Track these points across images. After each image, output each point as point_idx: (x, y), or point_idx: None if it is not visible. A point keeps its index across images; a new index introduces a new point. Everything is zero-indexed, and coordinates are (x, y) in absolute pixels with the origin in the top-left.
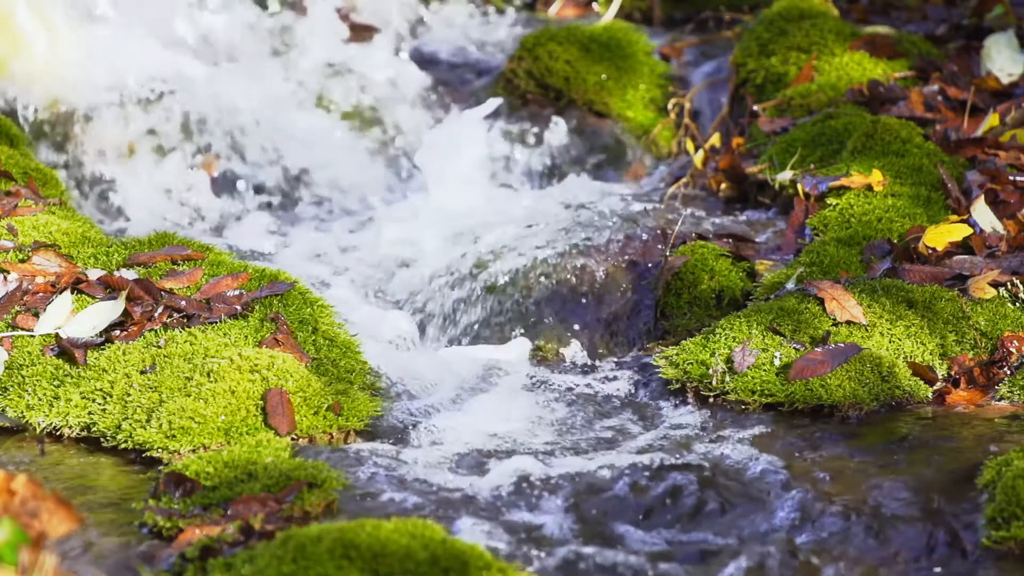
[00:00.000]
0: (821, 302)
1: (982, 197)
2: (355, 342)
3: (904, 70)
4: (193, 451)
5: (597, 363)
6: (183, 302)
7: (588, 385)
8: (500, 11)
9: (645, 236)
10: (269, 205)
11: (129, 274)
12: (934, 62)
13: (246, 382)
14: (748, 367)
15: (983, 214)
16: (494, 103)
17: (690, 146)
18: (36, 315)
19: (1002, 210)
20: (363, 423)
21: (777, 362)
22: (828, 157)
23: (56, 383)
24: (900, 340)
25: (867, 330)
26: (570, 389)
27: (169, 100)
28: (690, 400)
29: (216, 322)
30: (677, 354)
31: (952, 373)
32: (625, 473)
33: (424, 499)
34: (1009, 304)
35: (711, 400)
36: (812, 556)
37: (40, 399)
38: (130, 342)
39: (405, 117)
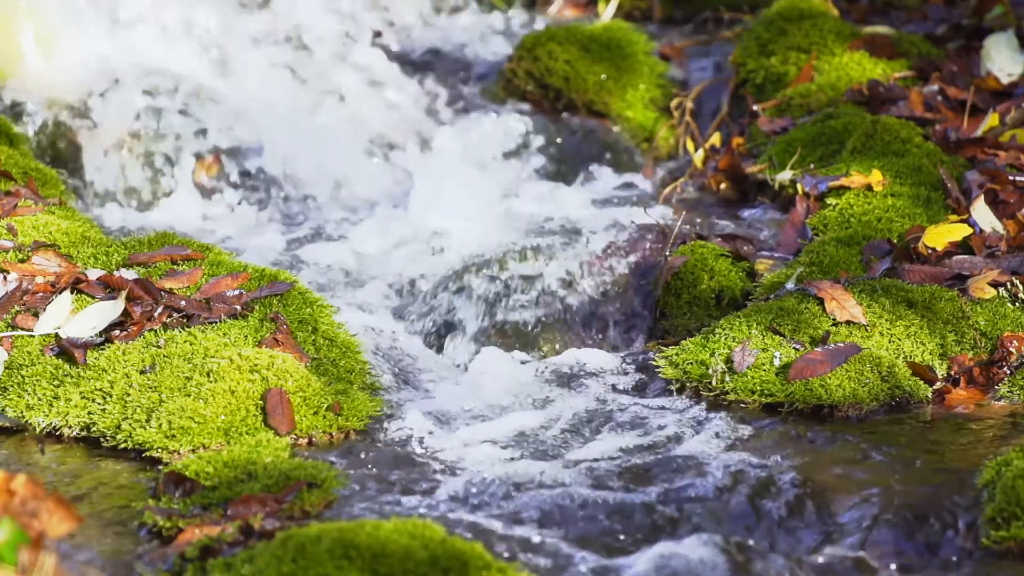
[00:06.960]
0: (821, 302)
1: (982, 197)
2: (355, 342)
3: (904, 70)
4: (193, 451)
5: (596, 363)
6: (183, 302)
7: (587, 385)
8: (500, 11)
9: (645, 236)
10: (266, 205)
11: (129, 274)
12: (934, 62)
13: (246, 382)
14: (748, 367)
15: (983, 214)
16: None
17: (690, 146)
18: (36, 315)
19: (1002, 210)
20: (363, 423)
21: (777, 362)
22: (828, 157)
23: (56, 383)
24: (900, 340)
25: (867, 330)
26: (570, 389)
27: (171, 100)
28: (690, 400)
29: (216, 322)
30: (677, 354)
31: (952, 373)
32: (621, 473)
33: (424, 498)
34: (1009, 304)
35: (711, 400)
36: (812, 556)
37: (40, 399)
38: (130, 342)
39: (404, 117)
